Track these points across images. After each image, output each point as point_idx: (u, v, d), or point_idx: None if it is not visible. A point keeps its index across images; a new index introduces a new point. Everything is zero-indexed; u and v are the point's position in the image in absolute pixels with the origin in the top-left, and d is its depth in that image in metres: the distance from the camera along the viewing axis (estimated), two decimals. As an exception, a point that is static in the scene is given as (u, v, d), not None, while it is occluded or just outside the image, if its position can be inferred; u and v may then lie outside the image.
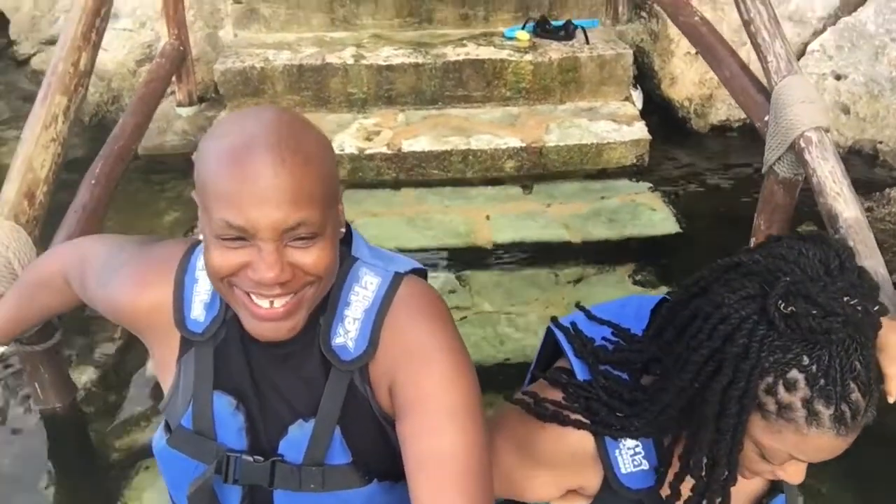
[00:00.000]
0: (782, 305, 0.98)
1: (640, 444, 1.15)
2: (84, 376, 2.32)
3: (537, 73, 3.50)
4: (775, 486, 1.27)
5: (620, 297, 1.46)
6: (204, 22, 3.76)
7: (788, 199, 2.24)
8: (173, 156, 3.41)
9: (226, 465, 1.12)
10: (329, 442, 1.09)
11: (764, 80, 2.29)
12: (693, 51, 3.50)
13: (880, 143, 3.41)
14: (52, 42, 3.81)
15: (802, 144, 2.04)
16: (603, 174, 3.33)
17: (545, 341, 1.37)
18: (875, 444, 1.96)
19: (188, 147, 3.38)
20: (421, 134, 3.35)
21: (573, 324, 1.28)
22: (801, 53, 3.55)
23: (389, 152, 3.25)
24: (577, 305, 1.34)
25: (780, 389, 0.98)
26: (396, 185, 3.27)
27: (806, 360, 0.98)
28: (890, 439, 2.02)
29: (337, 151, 3.03)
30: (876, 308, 1.01)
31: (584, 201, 3.16)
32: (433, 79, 3.48)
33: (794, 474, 1.07)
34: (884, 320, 1.21)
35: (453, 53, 3.52)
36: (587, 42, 3.58)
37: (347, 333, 1.08)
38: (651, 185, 3.27)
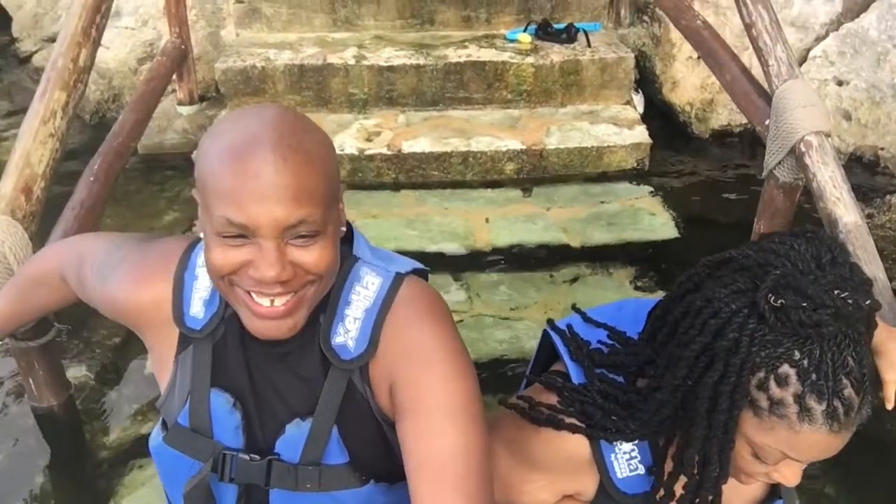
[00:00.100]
0: (772, 298, 0.98)
1: (635, 448, 1.15)
2: (79, 374, 2.31)
3: (538, 75, 3.50)
4: (773, 493, 1.26)
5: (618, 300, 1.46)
6: (206, 21, 3.76)
7: (788, 204, 2.24)
8: (173, 154, 3.41)
9: (222, 463, 1.12)
10: (326, 441, 1.09)
11: (765, 85, 2.29)
12: (695, 55, 3.50)
13: (881, 149, 3.40)
14: (54, 39, 3.78)
15: (803, 149, 2.03)
16: (603, 178, 3.33)
17: (541, 344, 1.37)
18: (877, 450, 1.97)
19: (188, 146, 3.38)
20: (421, 135, 3.35)
21: (569, 326, 1.27)
22: (803, 59, 3.55)
23: (389, 153, 3.25)
24: (574, 308, 1.34)
25: (772, 385, 0.98)
26: (396, 186, 3.27)
27: (797, 355, 0.97)
28: (891, 445, 2.03)
29: (337, 152, 3.01)
30: (867, 302, 1.00)
31: (584, 205, 3.16)
32: (434, 80, 3.48)
33: (789, 475, 1.06)
34: (883, 326, 1.20)
35: (455, 55, 3.52)
36: (589, 45, 3.59)
37: (348, 333, 1.07)
38: (651, 189, 3.26)
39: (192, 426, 1.13)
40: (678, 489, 1.12)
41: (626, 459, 1.15)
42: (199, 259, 1.13)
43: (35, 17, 4.12)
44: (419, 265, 1.17)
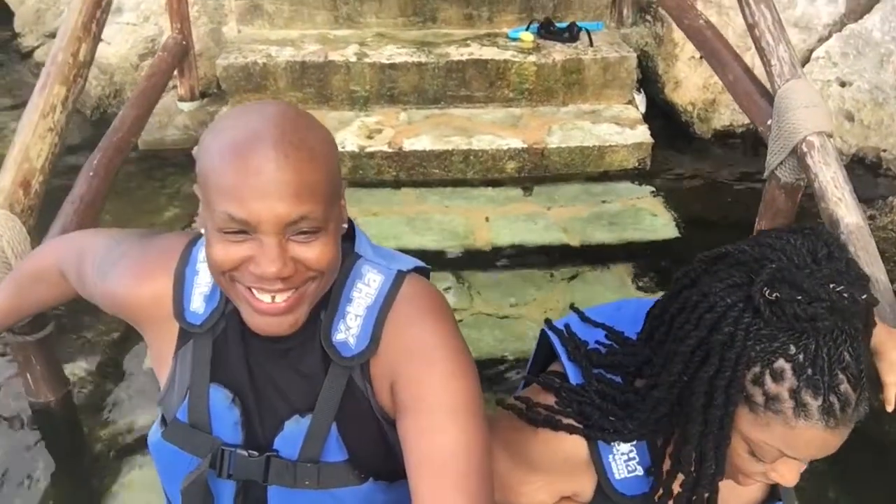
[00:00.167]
0: (767, 292, 0.97)
1: (634, 449, 1.14)
2: (77, 370, 2.30)
3: (540, 74, 3.50)
4: (773, 494, 1.26)
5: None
6: (208, 17, 3.75)
7: (790, 205, 2.23)
8: (174, 150, 3.40)
9: (220, 459, 1.11)
10: (325, 438, 1.09)
11: (767, 85, 2.29)
12: (697, 55, 3.50)
13: (884, 150, 3.40)
14: (56, 35, 3.80)
15: (804, 149, 2.03)
16: (604, 177, 3.32)
17: (539, 344, 1.36)
18: (876, 452, 1.97)
19: (189, 142, 3.38)
20: (422, 133, 3.35)
21: (567, 326, 1.27)
22: (806, 60, 3.55)
23: (390, 151, 3.24)
24: (572, 307, 1.33)
25: (767, 380, 0.97)
26: (397, 184, 3.26)
27: (793, 349, 0.96)
28: (890, 447, 2.02)
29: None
30: (864, 296, 0.99)
31: (585, 204, 3.15)
32: (436, 78, 3.48)
33: (786, 474, 1.05)
34: (884, 328, 1.20)
35: (457, 53, 3.51)
36: (591, 44, 3.58)
37: (349, 330, 1.07)
38: (653, 189, 3.26)
39: (190, 422, 1.13)
40: (675, 488, 1.12)
41: (625, 461, 1.14)
42: (200, 255, 1.13)
43: (37, 12, 4.12)
44: (421, 263, 1.17)
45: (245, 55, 3.46)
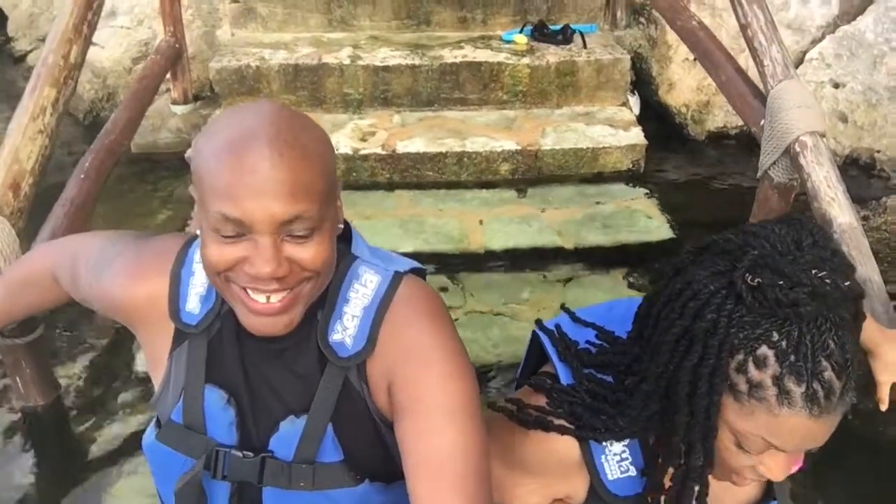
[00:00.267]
0: (749, 278, 0.97)
1: (626, 449, 1.14)
2: (68, 373, 2.29)
3: (534, 76, 3.50)
4: (768, 494, 1.25)
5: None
6: (202, 21, 3.75)
7: (783, 205, 2.24)
8: (167, 154, 3.40)
9: (215, 460, 1.11)
10: (321, 439, 1.08)
11: (760, 85, 2.29)
12: (691, 57, 3.51)
13: (878, 151, 3.41)
14: (47, 38, 3.79)
15: (797, 149, 2.03)
16: (598, 179, 3.32)
17: (531, 345, 1.36)
18: (870, 451, 1.97)
19: (182, 145, 3.37)
20: (416, 135, 3.34)
21: (557, 326, 1.26)
22: (799, 61, 3.56)
23: (384, 153, 3.24)
24: (563, 307, 1.33)
25: (751, 367, 0.96)
26: (390, 186, 3.26)
27: (775, 336, 0.96)
28: (884, 447, 2.02)
29: (332, 151, 3.01)
30: (847, 283, 0.99)
31: (579, 206, 3.15)
32: (430, 80, 3.47)
33: (773, 468, 1.03)
34: (877, 328, 1.19)
35: (450, 56, 3.51)
36: (585, 46, 3.58)
37: (346, 330, 1.07)
38: (647, 191, 3.26)
39: (185, 423, 1.12)
40: (667, 482, 1.11)
41: (617, 461, 1.14)
42: (196, 255, 1.12)
43: (31, 16, 4.11)
44: (417, 264, 1.17)
45: (238, 58, 3.45)
